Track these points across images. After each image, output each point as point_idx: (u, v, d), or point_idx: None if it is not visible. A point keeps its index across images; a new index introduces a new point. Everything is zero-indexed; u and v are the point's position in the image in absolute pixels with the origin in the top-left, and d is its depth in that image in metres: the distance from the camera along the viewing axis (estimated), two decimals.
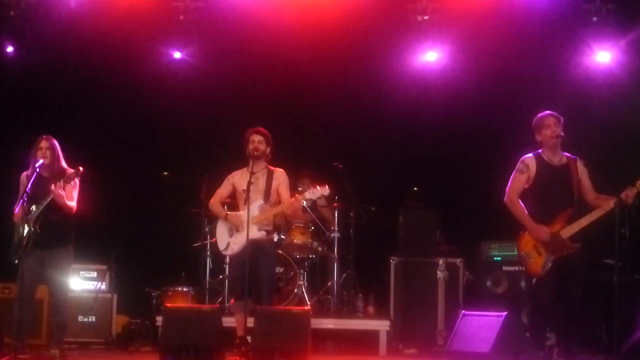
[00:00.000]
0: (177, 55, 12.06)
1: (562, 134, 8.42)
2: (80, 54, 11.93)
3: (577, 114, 9.80)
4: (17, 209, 8.94)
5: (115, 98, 12.23)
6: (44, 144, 9.00)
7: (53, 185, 8.74)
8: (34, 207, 8.80)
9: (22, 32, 11.70)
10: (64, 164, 9.09)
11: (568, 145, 8.53)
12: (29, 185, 8.70)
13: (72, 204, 8.96)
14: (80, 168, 8.81)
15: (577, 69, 11.58)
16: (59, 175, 8.94)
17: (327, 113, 12.51)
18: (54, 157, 9.01)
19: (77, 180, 8.98)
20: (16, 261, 8.81)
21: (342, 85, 12.22)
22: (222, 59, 12.16)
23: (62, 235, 9.01)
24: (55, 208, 8.85)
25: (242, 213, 9.16)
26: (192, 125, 12.53)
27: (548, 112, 8.54)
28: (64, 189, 8.79)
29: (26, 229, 8.82)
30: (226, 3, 11.70)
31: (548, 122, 8.48)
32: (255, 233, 9.06)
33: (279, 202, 9.30)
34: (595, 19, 11.22)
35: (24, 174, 9.09)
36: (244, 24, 11.69)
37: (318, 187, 9.21)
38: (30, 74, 11.99)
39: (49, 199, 8.78)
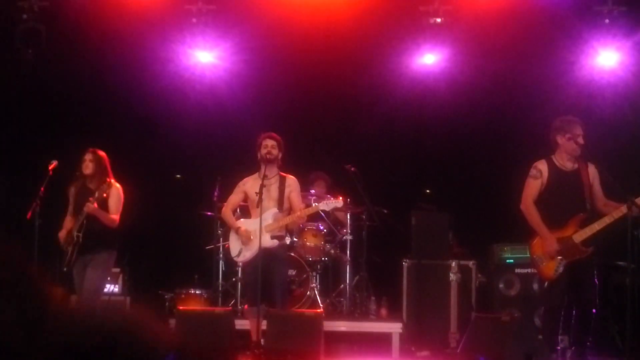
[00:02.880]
0: (191, 58, 12.08)
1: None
2: (91, 57, 11.96)
3: (589, 116, 9.78)
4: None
5: (128, 101, 12.26)
6: (87, 156, 9.22)
7: (86, 204, 8.92)
8: (80, 217, 9.02)
9: (36, 36, 11.73)
10: (109, 177, 9.26)
11: (583, 150, 8.52)
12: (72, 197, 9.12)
13: (114, 216, 9.16)
14: (110, 180, 9.15)
15: (588, 70, 11.57)
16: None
17: (339, 116, 12.53)
18: (97, 170, 9.20)
19: (120, 193, 9.22)
20: (65, 269, 9.03)
21: (355, 87, 12.23)
22: (234, 62, 12.17)
23: (105, 240, 9.15)
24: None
25: (252, 228, 9.19)
26: (205, 128, 12.54)
27: (575, 118, 8.54)
28: (97, 203, 8.98)
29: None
30: (239, 6, 11.73)
31: (575, 130, 8.46)
32: (268, 242, 9.09)
33: (290, 209, 9.32)
34: (607, 21, 11.19)
35: (72, 186, 9.31)
36: (256, 27, 11.70)
37: (332, 199, 9.27)
38: (45, 78, 12.02)
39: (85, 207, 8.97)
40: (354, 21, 11.48)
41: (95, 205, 8.94)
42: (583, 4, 11.31)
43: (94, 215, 8.97)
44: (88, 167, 9.18)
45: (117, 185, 9.25)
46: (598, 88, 11.45)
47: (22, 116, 12.23)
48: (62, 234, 9.13)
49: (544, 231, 8.37)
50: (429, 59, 11.91)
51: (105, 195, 9.05)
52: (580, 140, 8.43)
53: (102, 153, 9.29)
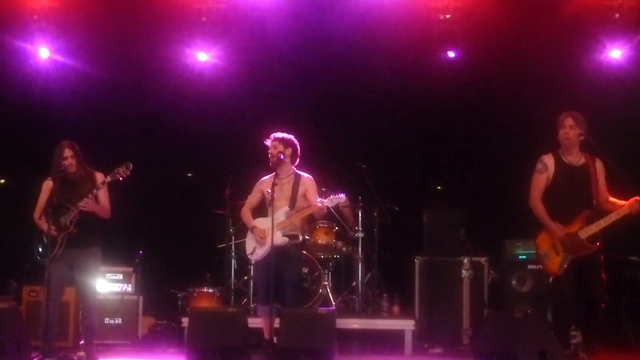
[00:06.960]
0: (201, 57, 12.08)
1: (582, 134, 8.38)
2: (103, 56, 12.01)
3: (604, 112, 9.75)
4: (39, 214, 9.05)
5: (140, 100, 12.29)
6: (67, 152, 9.04)
7: (82, 201, 8.85)
8: (71, 207, 8.88)
9: (46, 35, 11.76)
10: (86, 166, 9.18)
11: (591, 145, 8.49)
12: (55, 191, 8.89)
13: (107, 205, 9.12)
14: (130, 164, 9.01)
15: (600, 65, 11.55)
16: (87, 177, 9.08)
17: (350, 113, 12.52)
18: (79, 163, 9.09)
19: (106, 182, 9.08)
20: (45, 264, 8.88)
21: (365, 84, 12.24)
22: (245, 60, 12.19)
23: (93, 236, 9.10)
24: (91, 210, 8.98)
25: (265, 226, 9.18)
26: (216, 127, 12.55)
27: (568, 112, 8.51)
28: (99, 192, 8.97)
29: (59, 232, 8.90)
30: (248, 4, 11.74)
31: (564, 122, 8.46)
32: (279, 239, 9.05)
33: (306, 207, 9.29)
34: (617, 15, 11.16)
35: (48, 180, 9.15)
36: (266, 25, 11.72)
37: (336, 194, 9.24)
38: (53, 76, 12.04)
39: (82, 204, 8.87)
40: (360, 17, 11.47)
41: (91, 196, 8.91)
42: None
43: (94, 211, 8.91)
44: (72, 163, 9.01)
45: (100, 174, 9.12)
46: (607, 83, 11.43)
47: (25, 116, 12.26)
48: (44, 227, 8.91)
49: (550, 224, 8.35)
50: (438, 55, 11.89)
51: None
52: (566, 132, 8.40)
53: (75, 145, 9.13)
